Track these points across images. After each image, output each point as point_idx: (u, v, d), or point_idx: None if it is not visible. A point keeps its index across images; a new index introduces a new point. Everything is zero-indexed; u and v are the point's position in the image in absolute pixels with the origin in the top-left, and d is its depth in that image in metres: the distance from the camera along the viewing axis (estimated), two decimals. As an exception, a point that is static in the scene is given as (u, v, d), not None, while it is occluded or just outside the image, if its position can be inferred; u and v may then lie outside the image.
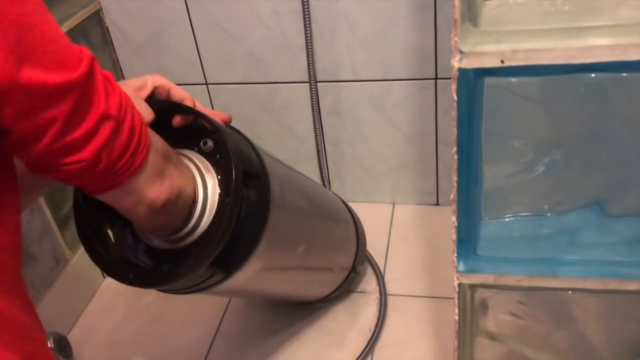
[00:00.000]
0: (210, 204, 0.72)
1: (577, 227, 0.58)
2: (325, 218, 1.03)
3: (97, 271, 1.27)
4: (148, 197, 0.60)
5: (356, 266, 1.11)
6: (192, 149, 0.75)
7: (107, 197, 0.59)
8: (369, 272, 1.20)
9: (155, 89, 0.74)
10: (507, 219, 0.60)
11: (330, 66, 1.18)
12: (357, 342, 1.06)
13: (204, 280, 0.76)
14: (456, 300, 0.63)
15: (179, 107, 0.74)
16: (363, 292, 1.16)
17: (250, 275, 0.83)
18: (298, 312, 1.13)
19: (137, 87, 0.72)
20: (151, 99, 0.73)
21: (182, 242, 0.72)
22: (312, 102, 1.23)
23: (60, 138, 0.48)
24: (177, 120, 0.74)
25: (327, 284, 1.08)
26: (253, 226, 0.77)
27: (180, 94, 0.76)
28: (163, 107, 0.73)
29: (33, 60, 0.44)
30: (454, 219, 0.57)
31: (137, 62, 1.28)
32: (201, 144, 0.75)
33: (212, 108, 1.28)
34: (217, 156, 0.75)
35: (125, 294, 1.23)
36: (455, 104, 0.50)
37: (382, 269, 1.19)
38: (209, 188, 0.72)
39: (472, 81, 0.49)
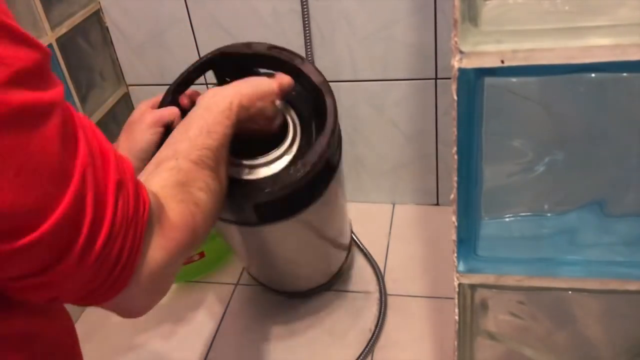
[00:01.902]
0: (293, 140, 0.84)
1: (577, 227, 0.58)
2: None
3: (97, 271, 1.27)
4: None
5: (350, 249, 1.16)
6: None
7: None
8: (369, 272, 1.20)
9: None
10: (507, 219, 0.60)
11: (330, 66, 1.18)
12: (357, 342, 1.06)
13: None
14: (456, 300, 0.63)
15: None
16: (363, 292, 1.16)
17: (316, 211, 0.91)
18: (298, 311, 1.13)
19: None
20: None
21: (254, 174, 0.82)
22: (312, 102, 1.23)
23: None
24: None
25: (333, 263, 1.12)
26: (334, 154, 0.88)
27: None
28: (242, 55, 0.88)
29: None
30: (454, 219, 0.57)
31: (137, 62, 1.28)
32: None
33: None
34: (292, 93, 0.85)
35: (125, 294, 1.24)
36: (455, 104, 0.51)
37: (382, 269, 1.19)
38: (289, 127, 0.85)
39: (472, 81, 0.49)
